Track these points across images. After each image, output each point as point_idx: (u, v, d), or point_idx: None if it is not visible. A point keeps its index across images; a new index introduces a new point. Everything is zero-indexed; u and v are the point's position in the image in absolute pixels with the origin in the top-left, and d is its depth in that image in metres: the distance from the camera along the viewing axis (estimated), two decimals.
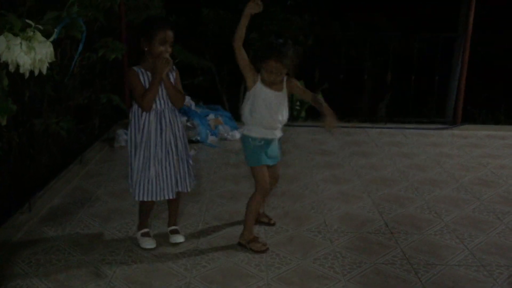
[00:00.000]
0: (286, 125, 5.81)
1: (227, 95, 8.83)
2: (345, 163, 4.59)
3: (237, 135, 5.30)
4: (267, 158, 2.91)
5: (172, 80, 2.79)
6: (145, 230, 3.00)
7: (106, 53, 4.70)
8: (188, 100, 5.61)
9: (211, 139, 5.23)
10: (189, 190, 2.95)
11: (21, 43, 1.98)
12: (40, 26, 2.17)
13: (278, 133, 2.92)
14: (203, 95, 6.84)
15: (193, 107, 5.55)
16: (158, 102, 2.76)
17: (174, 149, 2.82)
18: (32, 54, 2.04)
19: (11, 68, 2.07)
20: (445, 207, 3.61)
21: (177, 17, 8.34)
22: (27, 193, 3.45)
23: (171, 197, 2.87)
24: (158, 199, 2.86)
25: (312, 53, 7.46)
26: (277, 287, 2.56)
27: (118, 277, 2.63)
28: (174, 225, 3.08)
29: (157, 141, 2.77)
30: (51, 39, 3.88)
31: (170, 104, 2.80)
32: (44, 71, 2.21)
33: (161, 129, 2.77)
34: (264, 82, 2.77)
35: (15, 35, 2.00)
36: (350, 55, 7.30)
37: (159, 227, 3.19)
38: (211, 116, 5.53)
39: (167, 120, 2.79)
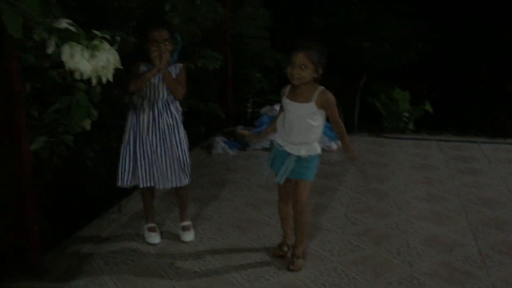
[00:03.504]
0: (388, 137, 5.55)
1: (342, 106, 8.64)
2: (447, 180, 4.20)
3: (334, 146, 5.13)
4: (276, 165, 2.71)
5: (173, 74, 2.95)
6: (150, 225, 3.15)
7: (205, 63, 4.88)
8: None
9: None
10: (178, 185, 3.06)
11: (82, 50, 2.10)
12: (107, 36, 2.27)
13: (298, 150, 2.62)
14: None
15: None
16: (152, 92, 2.93)
17: (169, 140, 2.97)
18: (94, 61, 2.14)
19: (77, 75, 2.20)
20: None
21: (288, 27, 8.41)
22: (118, 194, 3.65)
23: (168, 186, 3.04)
24: (145, 185, 3.00)
25: (427, 61, 7.02)
26: None
27: (182, 280, 2.66)
28: (185, 220, 3.19)
29: (150, 129, 2.94)
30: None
31: (165, 96, 2.95)
32: (111, 78, 2.32)
33: (153, 117, 2.94)
34: (291, 95, 2.62)
35: (78, 43, 2.12)
36: (470, 64, 6.71)
37: (230, 237, 3.18)
38: None
39: (160, 110, 2.94)
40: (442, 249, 2.98)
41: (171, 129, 2.99)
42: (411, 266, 2.79)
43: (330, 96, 2.57)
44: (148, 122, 2.94)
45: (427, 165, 4.62)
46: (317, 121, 2.58)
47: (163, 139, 2.97)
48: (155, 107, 2.95)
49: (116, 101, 3.57)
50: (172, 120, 3.00)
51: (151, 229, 3.15)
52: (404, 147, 5.24)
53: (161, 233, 3.16)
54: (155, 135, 2.96)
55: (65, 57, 2.08)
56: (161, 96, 2.96)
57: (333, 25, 8.38)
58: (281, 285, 2.62)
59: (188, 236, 3.13)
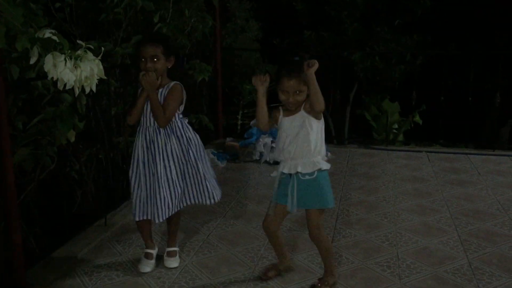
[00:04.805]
0: (379, 148, 5.54)
1: (333, 118, 8.65)
2: (437, 191, 4.19)
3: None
4: (282, 196, 2.56)
5: (160, 96, 2.71)
6: (147, 250, 2.93)
7: (194, 74, 4.87)
8: None
9: None
10: (176, 209, 2.82)
11: (65, 60, 2.06)
12: (91, 46, 2.25)
13: (295, 167, 2.48)
14: None
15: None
16: (144, 119, 2.73)
17: (160, 168, 2.72)
18: (78, 71, 2.11)
19: (60, 85, 2.16)
20: None
21: (278, 39, 8.45)
22: (105, 207, 3.60)
23: (157, 221, 2.76)
24: (141, 218, 2.80)
25: (416, 73, 7.05)
26: None
27: None
28: (172, 246, 2.98)
29: (145, 159, 2.75)
30: None
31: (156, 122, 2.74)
32: (94, 89, 2.29)
33: (147, 146, 2.73)
34: (284, 113, 2.53)
35: (62, 53, 2.09)
36: (459, 75, 6.76)
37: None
38: None
39: (153, 138, 2.73)
40: (432, 262, 2.95)
41: (168, 157, 2.74)
42: (401, 279, 2.76)
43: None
44: (143, 153, 2.74)
45: (416, 176, 4.61)
46: (312, 132, 2.46)
47: (156, 168, 2.72)
48: (147, 135, 2.73)
49: (102, 113, 3.53)
50: (168, 148, 2.74)
51: (147, 256, 2.91)
52: (394, 158, 5.23)
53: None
54: (149, 166, 2.74)
55: (47, 66, 2.05)
56: (152, 124, 2.71)
57: (324, 37, 8.42)
58: None
59: (173, 263, 2.92)
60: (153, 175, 2.73)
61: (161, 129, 2.72)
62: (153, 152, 2.73)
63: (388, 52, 7.96)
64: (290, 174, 2.52)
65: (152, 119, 2.71)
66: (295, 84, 2.41)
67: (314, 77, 2.36)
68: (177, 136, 2.78)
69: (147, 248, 2.93)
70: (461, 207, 3.82)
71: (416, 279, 2.76)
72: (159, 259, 2.96)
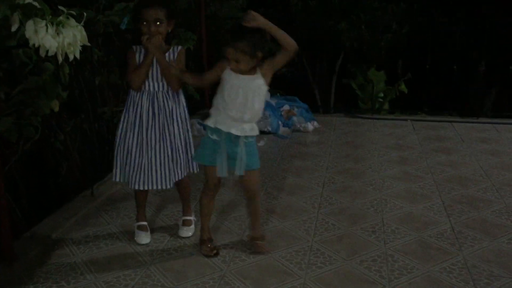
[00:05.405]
0: (365, 117, 5.57)
1: (319, 87, 8.62)
2: (421, 159, 4.24)
3: (310, 127, 5.13)
4: (223, 158, 2.52)
5: (172, 59, 2.66)
6: (141, 223, 2.91)
7: (178, 43, 4.79)
8: None
9: (284, 130, 5.11)
10: (182, 177, 2.81)
11: (47, 26, 2.01)
12: (73, 12, 2.19)
13: (242, 130, 2.47)
14: (294, 87, 6.75)
15: (267, 97, 5.45)
16: (151, 83, 2.65)
17: (168, 135, 2.70)
18: (60, 37, 2.07)
19: (42, 52, 2.12)
20: None
21: (265, 9, 8.33)
22: (91, 177, 3.58)
23: (167, 187, 2.76)
24: (151, 188, 2.73)
25: (402, 41, 7.03)
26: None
27: (155, 263, 2.63)
28: (187, 215, 2.98)
29: (149, 125, 2.67)
30: (123, 27, 3.91)
31: (165, 87, 2.67)
32: (78, 56, 2.24)
33: (153, 112, 2.66)
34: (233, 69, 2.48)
35: (43, 19, 2.03)
36: (444, 44, 6.76)
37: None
38: (286, 107, 5.42)
39: (160, 104, 2.67)
40: (416, 227, 3.01)
41: (175, 122, 2.71)
42: (386, 244, 2.81)
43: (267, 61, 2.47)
44: (148, 119, 2.65)
45: (401, 144, 4.65)
46: (262, 96, 2.50)
47: (163, 135, 2.69)
48: (155, 101, 2.65)
49: (86, 82, 3.47)
50: (176, 116, 2.71)
51: (142, 228, 2.89)
52: (379, 127, 5.26)
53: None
54: (154, 133, 2.67)
55: (29, 33, 2.00)
56: (163, 88, 2.66)
57: (310, 6, 8.32)
58: (258, 265, 2.61)
59: (187, 232, 2.92)
60: (159, 141, 2.68)
61: (169, 93, 2.68)
62: (162, 118, 2.67)
63: (374, 21, 7.91)
64: (234, 136, 2.48)
65: (161, 83, 2.65)
66: (232, 53, 2.37)
67: (268, 22, 2.35)
68: (179, 100, 2.76)
69: (141, 220, 2.92)
70: (445, 174, 3.88)
71: (400, 243, 2.82)
72: None
